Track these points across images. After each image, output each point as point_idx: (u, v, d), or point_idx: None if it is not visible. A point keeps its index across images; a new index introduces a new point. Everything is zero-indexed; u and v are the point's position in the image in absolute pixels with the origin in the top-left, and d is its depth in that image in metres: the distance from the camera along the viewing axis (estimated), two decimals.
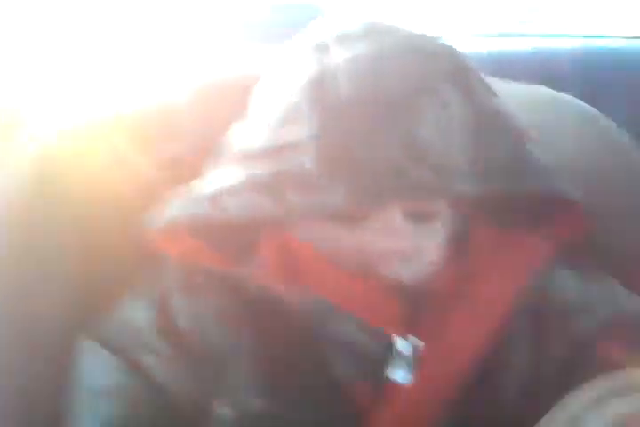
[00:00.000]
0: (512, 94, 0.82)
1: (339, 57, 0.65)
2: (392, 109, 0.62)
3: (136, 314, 0.69)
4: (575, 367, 0.66)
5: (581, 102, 0.84)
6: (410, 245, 0.64)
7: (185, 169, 0.72)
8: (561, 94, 0.86)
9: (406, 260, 0.64)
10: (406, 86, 0.63)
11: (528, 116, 0.76)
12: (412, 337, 0.65)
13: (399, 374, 0.64)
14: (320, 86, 0.64)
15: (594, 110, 0.83)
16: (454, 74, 0.65)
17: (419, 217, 0.65)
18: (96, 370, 0.67)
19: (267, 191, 0.63)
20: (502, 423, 0.64)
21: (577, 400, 0.45)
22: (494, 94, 0.69)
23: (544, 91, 0.87)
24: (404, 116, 0.62)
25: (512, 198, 0.68)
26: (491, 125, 0.66)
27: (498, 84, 0.84)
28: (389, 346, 0.64)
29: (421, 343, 0.65)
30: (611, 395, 0.44)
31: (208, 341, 0.65)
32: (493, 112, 0.67)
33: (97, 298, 0.72)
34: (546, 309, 0.69)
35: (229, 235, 0.69)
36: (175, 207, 0.68)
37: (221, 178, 0.67)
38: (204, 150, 0.72)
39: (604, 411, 0.43)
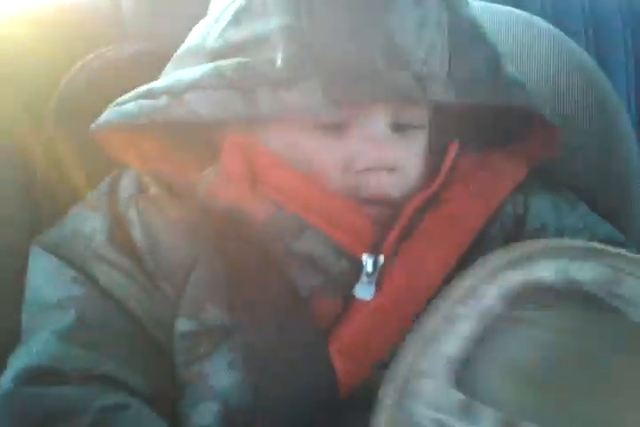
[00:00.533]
0: (483, 13, 0.80)
1: None
2: (366, 5, 0.60)
3: (88, 223, 0.65)
4: None
5: (553, 27, 0.83)
6: (395, 156, 0.63)
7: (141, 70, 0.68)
8: (534, 17, 0.84)
9: (392, 172, 0.63)
10: None
11: (499, 36, 0.75)
12: (377, 253, 0.63)
13: (364, 291, 0.62)
14: None
15: (565, 36, 0.82)
16: None
17: (401, 127, 0.64)
18: (47, 280, 0.64)
19: (234, 87, 0.60)
20: None
21: (474, 272, 0.45)
22: (470, 4, 0.67)
23: (516, 12, 0.85)
24: (378, 13, 0.60)
25: (488, 115, 0.67)
26: (466, 32, 0.64)
27: (472, 4, 0.82)
28: (356, 263, 0.63)
29: (386, 259, 0.63)
30: (505, 267, 0.45)
31: (163, 253, 0.63)
32: (469, 19, 0.65)
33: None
34: (522, 233, 0.69)
35: (188, 138, 0.66)
36: (130, 104, 0.63)
37: (183, 74, 0.63)
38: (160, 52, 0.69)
39: (498, 282, 0.44)
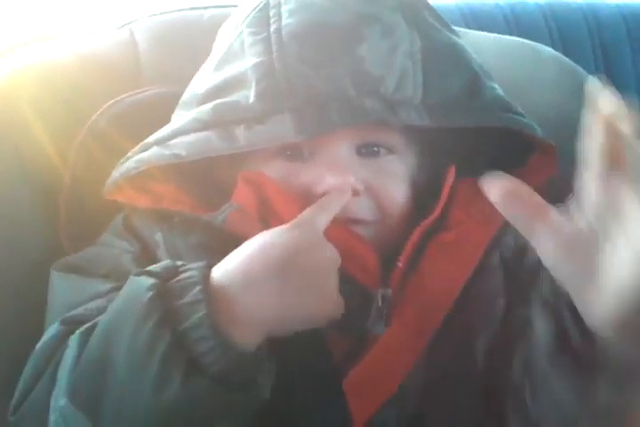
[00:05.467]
0: (491, 44, 0.82)
1: None
2: (335, 36, 0.62)
3: (115, 246, 0.67)
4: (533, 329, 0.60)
5: (560, 54, 0.84)
6: (359, 180, 0.63)
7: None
8: (541, 46, 0.85)
9: (353, 195, 0.63)
10: (349, 13, 0.63)
11: (507, 66, 0.76)
12: (385, 287, 0.63)
13: (376, 326, 0.63)
14: (264, 17, 0.64)
15: (572, 63, 0.83)
16: (401, 4, 0.65)
17: (371, 151, 0.65)
18: (70, 291, 0.65)
19: (212, 128, 0.62)
20: (470, 382, 0.63)
21: None
22: (453, 32, 0.69)
23: (524, 42, 0.86)
24: (347, 44, 0.62)
25: (488, 140, 0.68)
26: (442, 58, 0.65)
27: (476, 35, 0.83)
28: (367, 297, 0.63)
29: (394, 293, 0.63)
30: None
31: None
32: (445, 45, 0.67)
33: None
34: (522, 264, 0.66)
35: (201, 178, 0.68)
36: (130, 160, 0.66)
37: (171, 124, 0.66)
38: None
39: None
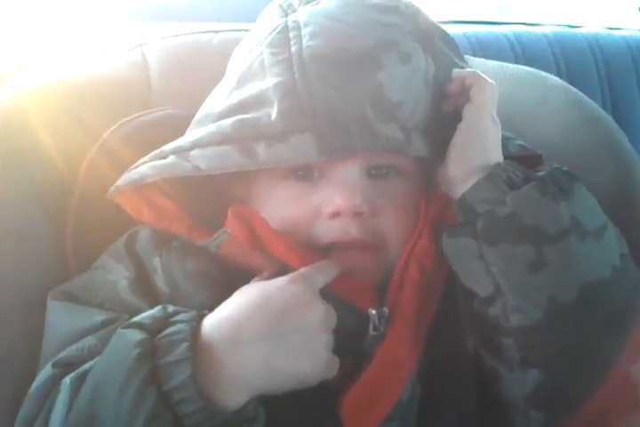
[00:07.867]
0: (497, 72, 0.83)
1: (303, 12, 0.67)
2: (356, 61, 0.63)
3: (111, 271, 0.67)
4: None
5: (566, 84, 0.84)
6: (366, 202, 0.64)
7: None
8: (547, 74, 0.86)
9: (359, 216, 0.64)
10: (368, 39, 0.64)
11: (513, 94, 0.76)
12: (381, 306, 0.64)
13: (373, 345, 0.63)
14: (284, 39, 0.65)
15: (578, 92, 0.84)
16: (417, 30, 0.67)
17: (380, 173, 0.66)
18: (65, 319, 0.65)
19: (233, 143, 0.63)
20: (467, 374, 0.64)
21: None
22: (462, 59, 0.70)
23: (530, 71, 0.87)
24: (367, 68, 0.63)
25: None
26: (446, 86, 0.66)
27: (482, 62, 0.84)
28: (363, 318, 0.63)
29: (389, 311, 0.63)
30: None
31: (184, 301, 0.64)
32: (450, 73, 0.67)
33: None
34: None
35: (200, 198, 0.69)
36: (143, 166, 0.66)
37: (190, 135, 0.67)
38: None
39: None
